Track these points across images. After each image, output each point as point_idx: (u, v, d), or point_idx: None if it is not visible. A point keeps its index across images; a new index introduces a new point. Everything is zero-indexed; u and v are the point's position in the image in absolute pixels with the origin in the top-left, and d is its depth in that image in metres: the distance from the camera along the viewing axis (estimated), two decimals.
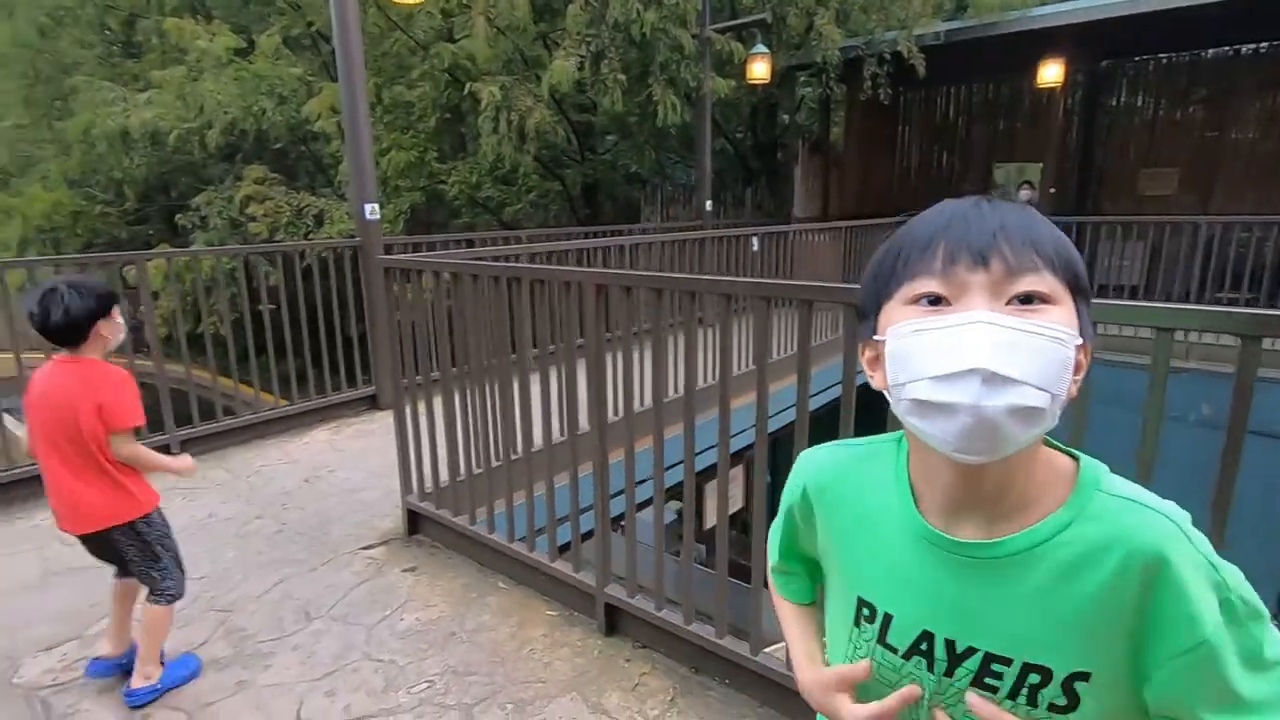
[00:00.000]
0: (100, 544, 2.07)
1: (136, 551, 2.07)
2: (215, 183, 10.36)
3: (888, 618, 0.68)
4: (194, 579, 2.71)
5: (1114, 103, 8.86)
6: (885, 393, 0.63)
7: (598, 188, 11.89)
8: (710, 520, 6.59)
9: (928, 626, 0.66)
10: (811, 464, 0.79)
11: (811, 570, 0.85)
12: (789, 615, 0.89)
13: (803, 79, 11.01)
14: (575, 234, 7.82)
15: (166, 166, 10.95)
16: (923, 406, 0.57)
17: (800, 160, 9.45)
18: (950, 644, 0.65)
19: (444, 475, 2.93)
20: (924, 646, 0.66)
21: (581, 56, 6.41)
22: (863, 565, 0.72)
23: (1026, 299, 0.56)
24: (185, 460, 2.19)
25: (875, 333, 0.63)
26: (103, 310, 1.94)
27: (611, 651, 2.31)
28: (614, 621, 2.39)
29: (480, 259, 2.71)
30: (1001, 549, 0.62)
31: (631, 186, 12.96)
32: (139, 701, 2.05)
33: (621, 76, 6.50)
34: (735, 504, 6.31)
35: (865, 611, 0.70)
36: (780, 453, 3.12)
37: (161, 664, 2.13)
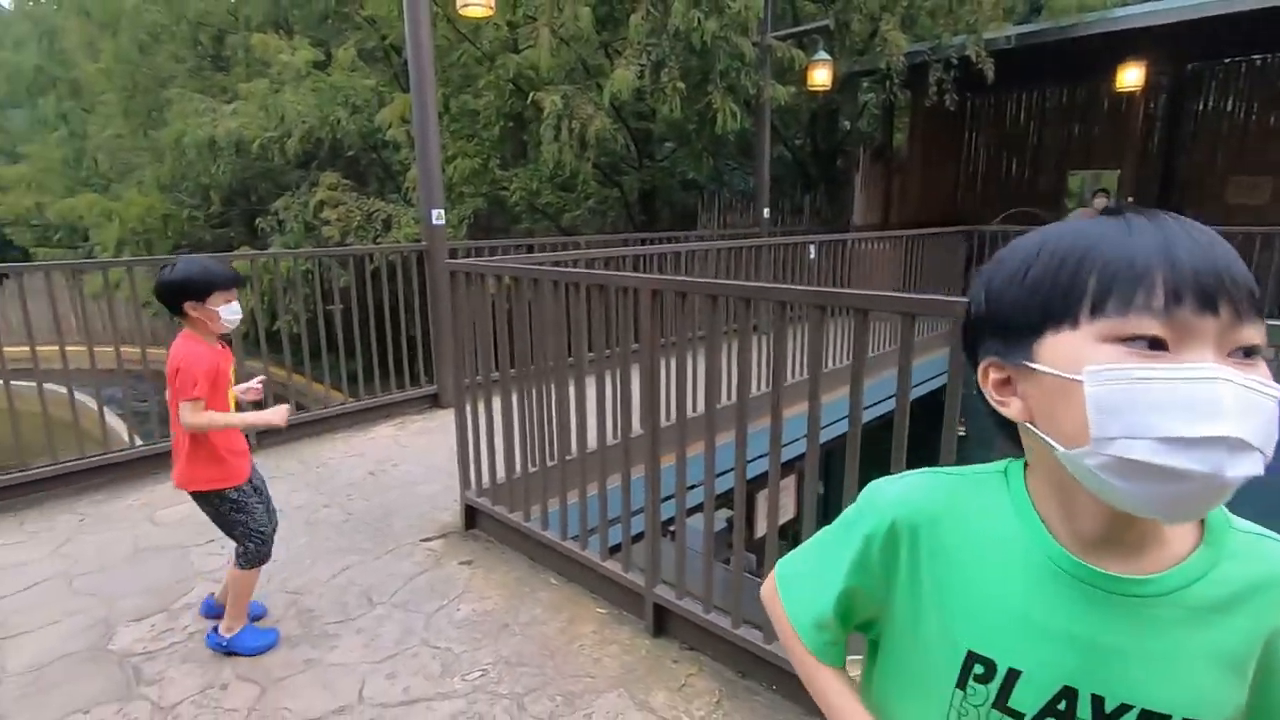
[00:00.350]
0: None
1: (212, 516, 2.29)
2: (292, 188, 10.90)
3: (1012, 674, 0.57)
4: (270, 560, 2.89)
5: (1201, 107, 8.42)
6: (1028, 426, 0.55)
7: (655, 194, 11.99)
8: (761, 529, 6.56)
9: (1069, 681, 0.56)
10: (900, 494, 0.66)
11: (848, 630, 0.72)
12: (836, 686, 0.71)
13: (865, 85, 10.86)
14: (632, 240, 7.92)
15: (248, 173, 11.59)
16: (1136, 468, 0.48)
17: (861, 167, 9.32)
18: (1098, 702, 0.55)
19: (501, 473, 3.03)
20: (1061, 706, 0.56)
21: (642, 65, 6.50)
22: (975, 612, 0.60)
23: (1249, 352, 0.50)
24: (279, 411, 2.28)
25: (1032, 359, 0.54)
26: (191, 292, 2.09)
27: (659, 651, 2.34)
28: (662, 622, 2.42)
29: (540, 264, 2.79)
30: (1155, 586, 0.55)
31: (688, 193, 13.01)
32: (210, 644, 2.31)
33: (681, 84, 6.56)
34: (786, 514, 6.25)
35: (978, 669, 0.59)
36: (834, 464, 3.09)
37: (244, 623, 2.33)
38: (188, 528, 3.23)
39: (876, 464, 1.97)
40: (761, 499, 6.21)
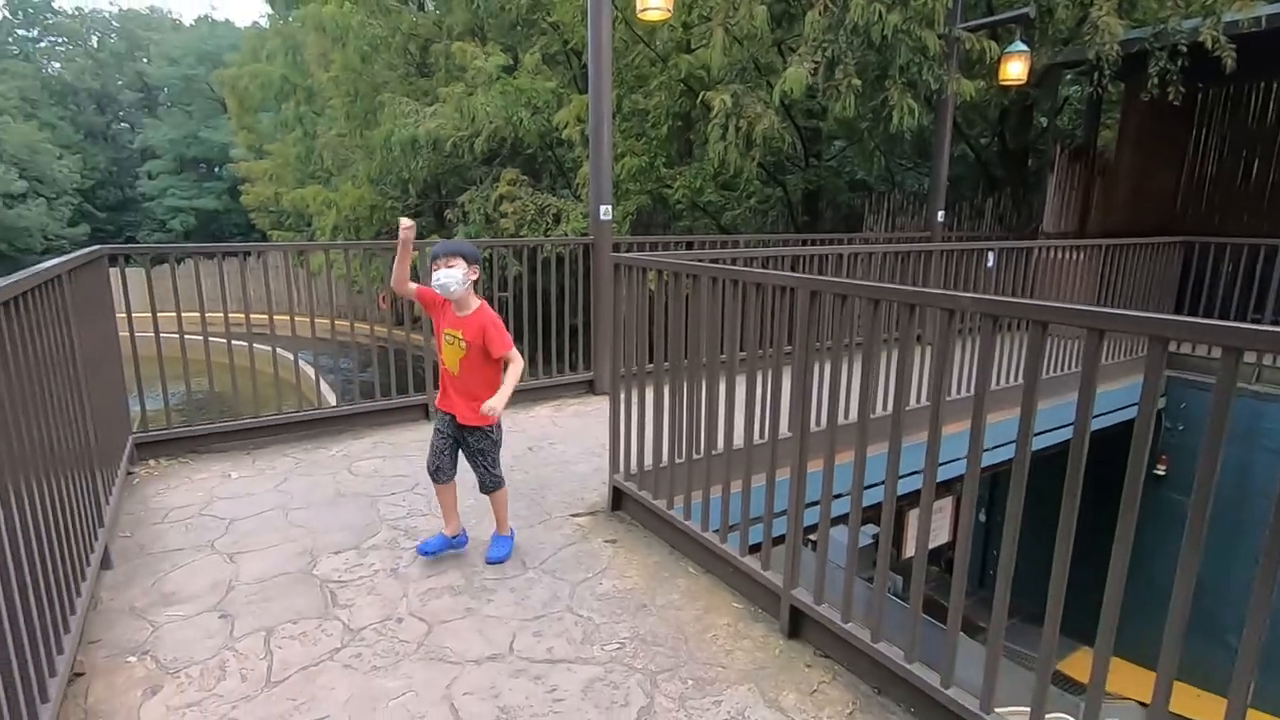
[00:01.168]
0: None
1: (487, 448, 2.86)
2: (477, 183, 11.91)
3: None
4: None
5: None
6: None
7: (820, 194, 11.66)
8: (909, 550, 6.20)
9: None
10: None
11: None
12: None
13: (1068, 78, 9.80)
14: (793, 240, 7.78)
15: (441, 169, 12.81)
16: None
17: (1056, 168, 8.41)
18: None
19: (648, 460, 3.15)
20: None
21: (816, 62, 6.35)
22: None
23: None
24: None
25: None
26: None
27: (792, 654, 2.33)
28: (797, 625, 2.41)
29: (700, 260, 2.86)
30: None
31: (855, 194, 12.51)
32: (496, 557, 2.89)
33: (857, 81, 6.33)
34: (939, 537, 5.86)
35: None
36: (998, 489, 2.87)
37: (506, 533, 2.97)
38: (375, 480, 3.69)
39: (1048, 497, 1.82)
40: (912, 518, 5.87)
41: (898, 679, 2.04)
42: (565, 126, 9.44)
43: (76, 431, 2.51)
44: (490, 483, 2.87)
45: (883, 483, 2.12)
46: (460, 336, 2.73)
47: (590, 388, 5.40)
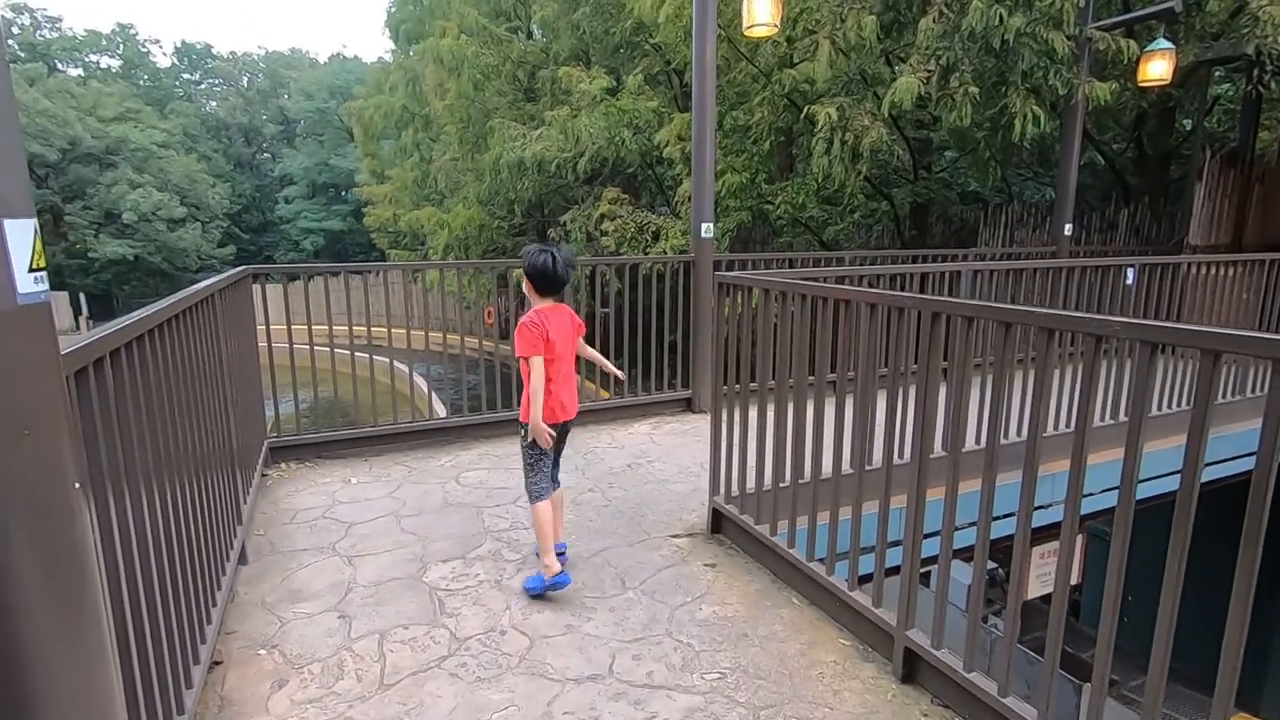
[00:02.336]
0: (566, 431, 2.95)
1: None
2: (579, 202, 12.24)
3: None
4: None
5: None
6: None
7: (929, 208, 11.15)
8: (1029, 591, 5.71)
9: None
10: None
11: None
12: None
13: (1218, 76, 8.90)
14: (901, 257, 7.45)
15: (545, 189, 13.27)
16: None
17: (1205, 175, 7.62)
18: None
19: (750, 482, 3.06)
20: None
21: (929, 71, 6.09)
22: None
23: None
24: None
25: None
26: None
27: (907, 700, 2.18)
28: (912, 668, 2.25)
29: (809, 279, 2.77)
30: None
31: (968, 206, 11.87)
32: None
33: (974, 89, 6.00)
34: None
35: None
36: (1154, 524, 2.58)
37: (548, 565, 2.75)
38: (480, 491, 3.81)
39: (1202, 538, 1.60)
40: (1037, 556, 5.42)
41: (993, 712, 1.86)
42: (666, 145, 9.54)
43: (223, 435, 2.75)
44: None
45: (1009, 514, 1.96)
46: None
47: (688, 405, 5.36)
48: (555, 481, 2.94)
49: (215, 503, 2.45)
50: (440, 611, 2.64)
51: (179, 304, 2.10)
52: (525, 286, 2.80)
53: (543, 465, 2.79)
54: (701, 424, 4.88)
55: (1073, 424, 3.97)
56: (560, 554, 2.93)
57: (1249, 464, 1.40)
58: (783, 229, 10.50)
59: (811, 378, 2.73)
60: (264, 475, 3.95)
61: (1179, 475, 1.50)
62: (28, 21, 38.40)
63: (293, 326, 4.25)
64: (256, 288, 4.13)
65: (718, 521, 3.30)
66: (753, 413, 3.05)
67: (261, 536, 3.24)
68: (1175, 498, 1.51)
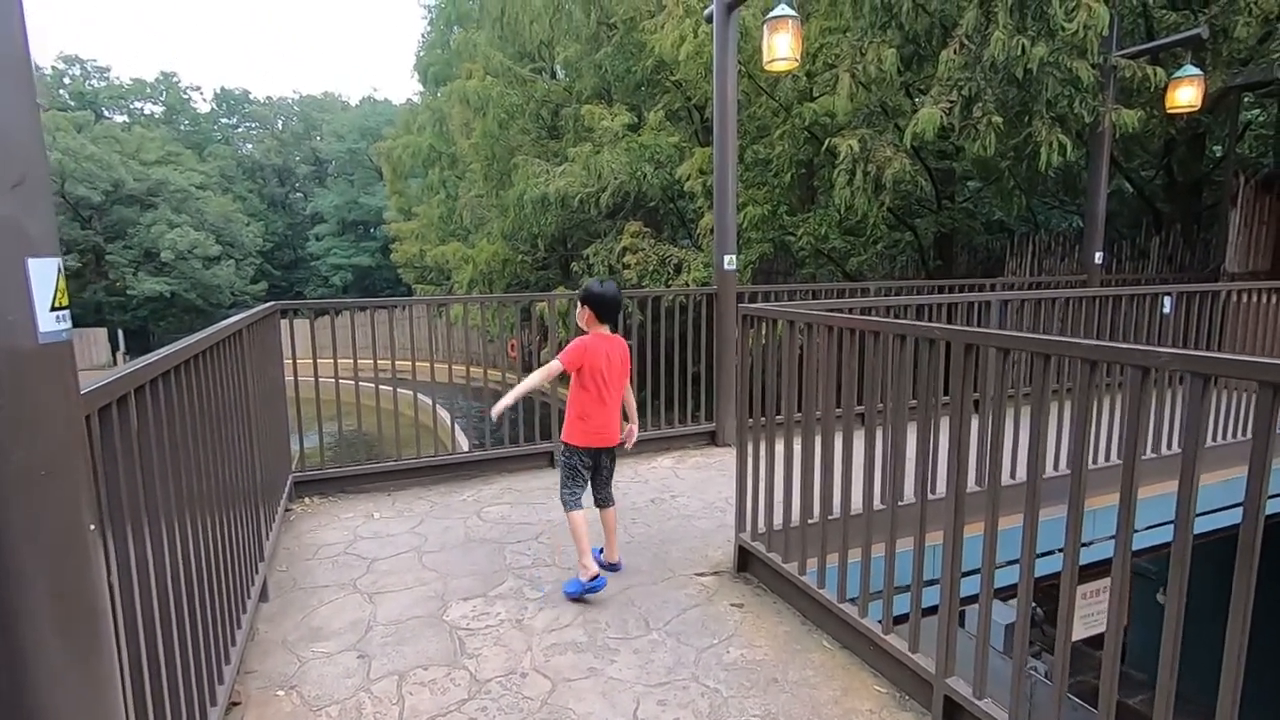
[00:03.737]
0: (609, 455, 3.14)
1: (612, 465, 3.18)
2: (601, 236, 12.36)
3: None
4: (564, 568, 3.22)
5: None
6: None
7: (953, 238, 11.05)
8: (1076, 633, 5.45)
9: None
10: None
11: None
12: None
13: (1249, 101, 8.78)
14: (926, 287, 7.36)
15: (568, 224, 13.44)
16: None
17: (1240, 201, 7.46)
18: None
19: (778, 519, 2.98)
20: None
21: (951, 101, 6.08)
22: None
23: None
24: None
25: None
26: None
27: None
28: (953, 718, 2.13)
29: (835, 311, 2.72)
30: None
31: (993, 236, 11.75)
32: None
33: (997, 119, 5.97)
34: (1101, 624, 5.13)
35: None
36: (1218, 555, 2.45)
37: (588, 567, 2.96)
38: (502, 527, 3.76)
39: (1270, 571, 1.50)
40: (1079, 595, 5.19)
41: None
42: (688, 179, 9.62)
43: (248, 470, 2.75)
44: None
45: (1053, 552, 1.87)
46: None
47: (712, 439, 5.29)
48: (607, 500, 3.20)
49: (237, 539, 2.43)
50: (461, 652, 2.58)
51: (205, 340, 2.12)
52: (581, 315, 3.06)
53: (575, 482, 3.03)
54: (726, 457, 4.79)
55: (1111, 457, 3.84)
56: (612, 567, 3.18)
57: None
58: (805, 260, 10.48)
59: (839, 410, 2.67)
60: (288, 510, 3.95)
61: (1220, 512, 1.41)
62: (78, 72, 40.41)
63: (319, 360, 4.29)
64: (285, 322, 4.19)
65: (744, 559, 3.21)
66: (779, 446, 2.98)
67: (284, 572, 3.22)
68: (1219, 535, 1.42)
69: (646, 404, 5.28)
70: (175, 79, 43.40)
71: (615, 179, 10.32)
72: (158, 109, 42.95)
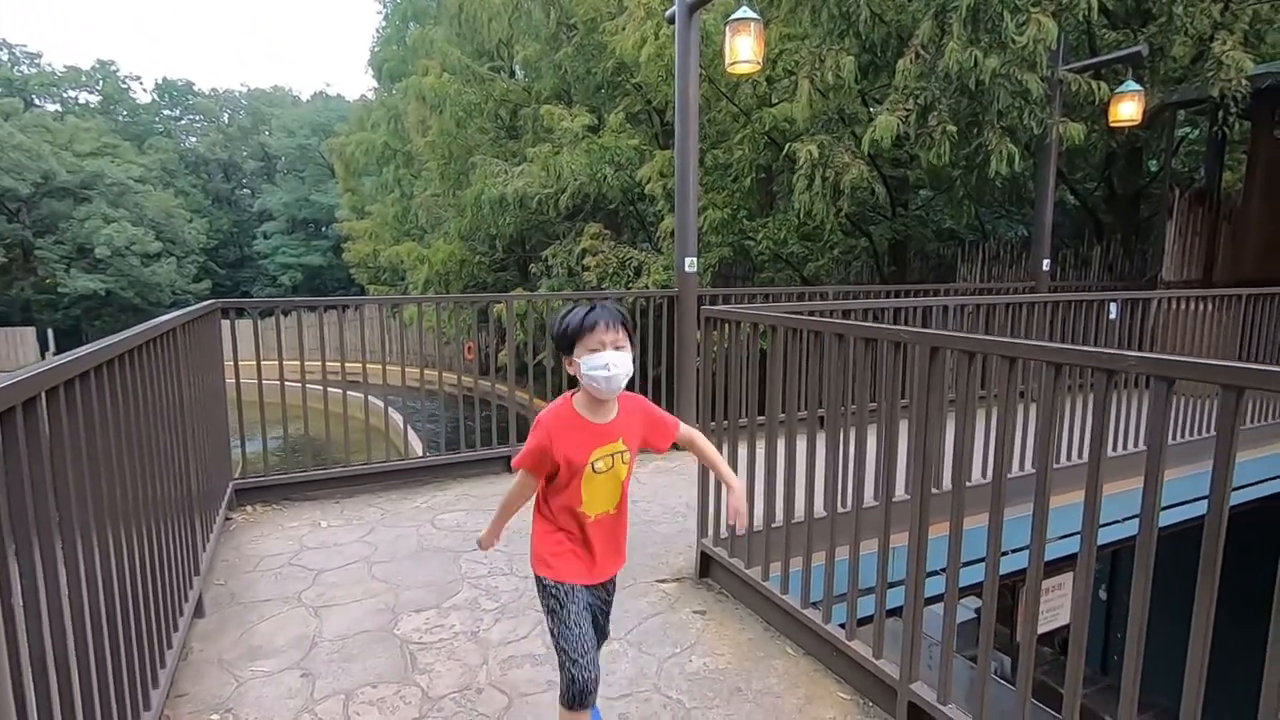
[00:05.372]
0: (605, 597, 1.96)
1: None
2: (560, 238, 12.24)
3: None
4: (522, 577, 3.12)
5: None
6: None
7: (906, 245, 11.30)
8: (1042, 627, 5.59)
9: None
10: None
11: None
12: None
13: (1183, 117, 9.21)
14: (881, 292, 7.48)
15: (526, 225, 13.27)
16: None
17: (1175, 213, 7.81)
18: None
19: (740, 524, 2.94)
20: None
21: (908, 110, 6.18)
22: None
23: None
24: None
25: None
26: (561, 345, 1.75)
27: None
28: None
29: (799, 314, 2.70)
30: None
31: (944, 244, 12.06)
32: None
33: (952, 128, 6.10)
34: (1061, 618, 5.27)
35: None
36: (1186, 552, 2.49)
37: None
38: (458, 535, 3.63)
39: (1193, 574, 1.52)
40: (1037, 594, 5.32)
41: None
42: (648, 182, 9.60)
43: (180, 479, 2.57)
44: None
45: (1021, 548, 1.86)
46: (623, 449, 1.78)
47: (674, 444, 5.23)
48: (600, 635, 1.96)
49: (167, 552, 2.27)
50: (412, 668, 2.46)
51: (132, 340, 1.96)
52: (567, 365, 1.75)
53: (565, 616, 1.75)
54: (687, 462, 4.75)
55: (1072, 457, 3.93)
56: None
57: (1244, 495, 1.32)
58: (764, 264, 10.56)
59: (802, 414, 2.64)
60: (228, 519, 3.74)
61: (1172, 509, 1.41)
62: (5, 57, 38.25)
63: (263, 363, 4.09)
64: (229, 323, 3.98)
65: (706, 565, 3.16)
66: (741, 449, 2.94)
67: (222, 586, 3.04)
68: (1170, 531, 1.43)
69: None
70: (113, 67, 41.43)
71: (575, 180, 10.23)
72: (94, 98, 40.93)
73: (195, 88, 44.55)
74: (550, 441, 1.70)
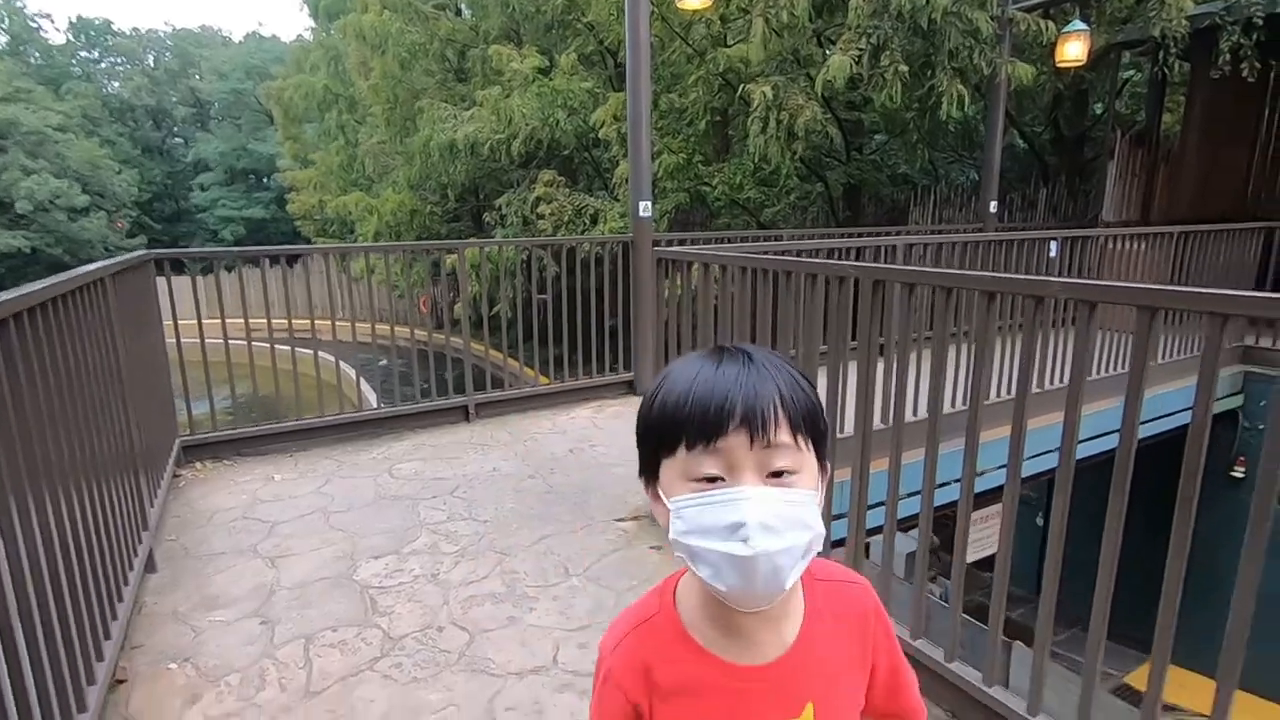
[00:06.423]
0: None
1: None
2: (514, 186, 11.94)
3: None
4: (481, 521, 3.16)
5: None
6: None
7: (861, 189, 11.37)
8: (969, 556, 5.91)
9: None
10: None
11: None
12: None
13: (1127, 59, 9.34)
14: (835, 234, 7.55)
15: (479, 173, 12.88)
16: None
17: (1116, 155, 8.00)
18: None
19: None
20: None
21: (860, 50, 6.14)
22: None
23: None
24: None
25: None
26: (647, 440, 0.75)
27: None
28: None
29: (747, 253, 2.72)
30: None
31: (898, 188, 12.18)
32: None
33: (903, 68, 6.09)
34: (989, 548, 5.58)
35: None
36: (1095, 481, 2.66)
37: None
38: (416, 483, 3.64)
39: (1144, 493, 1.64)
40: (979, 518, 5.61)
41: (976, 704, 1.87)
42: (602, 126, 9.37)
43: (119, 436, 2.50)
44: None
45: (944, 484, 1.97)
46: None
47: (631, 388, 5.29)
48: None
49: (109, 507, 2.22)
50: (373, 610, 2.49)
51: (55, 288, 1.87)
52: (652, 496, 0.73)
53: None
54: None
55: (1002, 394, 4.10)
56: None
57: (1168, 424, 1.42)
58: (720, 210, 10.52)
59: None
60: (176, 476, 3.67)
61: (1096, 440, 1.51)
62: None
63: (207, 321, 3.93)
64: (171, 280, 3.81)
65: None
66: None
67: (174, 541, 3.00)
68: (1094, 462, 1.53)
69: (565, 357, 5.20)
70: (19, 4, 38.12)
71: (527, 125, 9.93)
72: (0, 39, 37.74)
73: (114, 27, 41.38)
74: (635, 706, 0.74)
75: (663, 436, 0.67)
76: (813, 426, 0.67)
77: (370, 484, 3.63)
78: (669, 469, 0.67)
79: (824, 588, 0.77)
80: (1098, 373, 4.78)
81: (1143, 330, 1.34)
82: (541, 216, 10.06)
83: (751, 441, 0.63)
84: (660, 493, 0.69)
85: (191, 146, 37.80)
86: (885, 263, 4.51)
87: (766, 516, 0.62)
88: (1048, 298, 1.53)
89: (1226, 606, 1.33)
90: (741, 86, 7.44)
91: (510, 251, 6.92)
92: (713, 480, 0.64)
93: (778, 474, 0.64)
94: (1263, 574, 1.29)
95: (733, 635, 0.71)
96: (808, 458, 0.66)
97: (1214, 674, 1.34)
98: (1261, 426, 6.07)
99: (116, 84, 40.64)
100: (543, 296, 5.14)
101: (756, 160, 7.77)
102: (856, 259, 4.47)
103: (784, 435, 0.64)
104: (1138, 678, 6.27)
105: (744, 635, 0.71)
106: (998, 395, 4.09)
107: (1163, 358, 5.24)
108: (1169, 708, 4.95)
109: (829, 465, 0.72)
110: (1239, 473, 6.03)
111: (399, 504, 3.38)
